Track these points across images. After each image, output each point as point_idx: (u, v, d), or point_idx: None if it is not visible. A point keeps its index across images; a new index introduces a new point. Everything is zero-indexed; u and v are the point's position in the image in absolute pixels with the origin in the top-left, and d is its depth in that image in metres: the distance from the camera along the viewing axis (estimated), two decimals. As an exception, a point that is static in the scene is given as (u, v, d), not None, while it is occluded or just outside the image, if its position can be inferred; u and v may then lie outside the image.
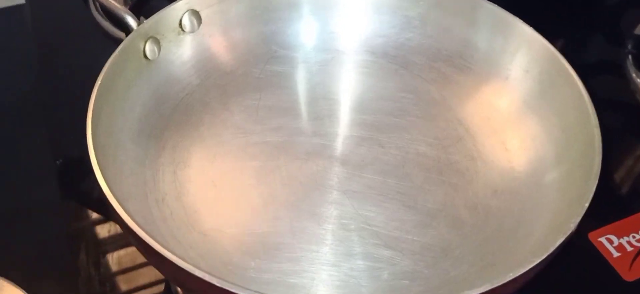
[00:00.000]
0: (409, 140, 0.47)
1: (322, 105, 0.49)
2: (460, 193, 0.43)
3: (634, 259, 0.43)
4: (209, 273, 0.29)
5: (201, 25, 0.49)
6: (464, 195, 0.43)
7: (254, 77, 0.50)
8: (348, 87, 0.51)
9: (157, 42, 0.46)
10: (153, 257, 0.32)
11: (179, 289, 0.42)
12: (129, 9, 0.47)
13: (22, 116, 0.54)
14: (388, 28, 0.52)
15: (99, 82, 0.41)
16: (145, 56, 0.46)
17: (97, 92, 0.40)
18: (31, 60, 0.59)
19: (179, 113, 0.47)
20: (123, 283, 0.43)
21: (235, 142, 0.46)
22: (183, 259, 0.30)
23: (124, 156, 0.41)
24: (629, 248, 0.44)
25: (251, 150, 0.46)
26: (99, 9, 0.55)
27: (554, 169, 0.42)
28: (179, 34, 0.48)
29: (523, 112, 0.46)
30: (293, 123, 0.48)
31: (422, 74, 0.51)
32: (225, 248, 0.39)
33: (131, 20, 0.45)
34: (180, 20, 0.48)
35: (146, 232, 0.31)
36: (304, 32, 0.51)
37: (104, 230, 0.46)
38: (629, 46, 0.61)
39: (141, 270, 0.43)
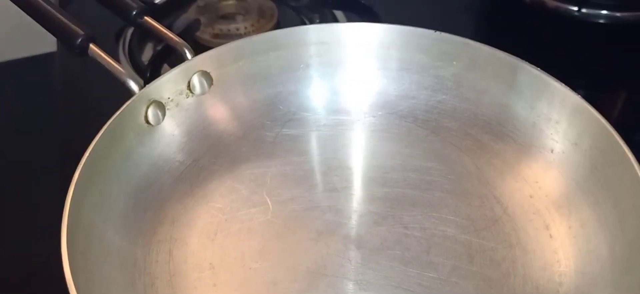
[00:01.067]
0: (436, 220, 0.41)
1: (339, 175, 0.44)
2: (495, 289, 0.37)
3: None
4: None
5: (212, 86, 0.46)
6: (499, 291, 0.37)
7: (267, 142, 0.46)
8: (368, 155, 0.45)
9: (161, 106, 0.43)
10: None
11: None
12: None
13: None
14: (417, 89, 0.47)
15: (91, 148, 0.37)
16: (147, 121, 0.42)
17: (85, 161, 0.37)
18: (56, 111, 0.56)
19: (183, 183, 0.43)
20: None
21: (240, 216, 0.42)
22: None
23: (113, 234, 0.37)
24: None
25: (257, 226, 0.41)
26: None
27: (608, 265, 0.35)
28: (187, 97, 0.45)
29: (572, 192, 0.39)
30: (305, 195, 0.43)
31: (456, 142, 0.45)
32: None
33: (133, 84, 0.42)
34: (190, 82, 0.45)
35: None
36: (319, 93, 0.47)
37: None
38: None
39: None
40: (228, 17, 0.66)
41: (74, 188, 0.35)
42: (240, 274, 0.38)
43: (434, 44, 0.45)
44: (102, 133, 0.39)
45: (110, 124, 0.39)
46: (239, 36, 0.62)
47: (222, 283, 0.38)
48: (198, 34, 0.62)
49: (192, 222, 0.41)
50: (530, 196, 0.41)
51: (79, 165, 0.36)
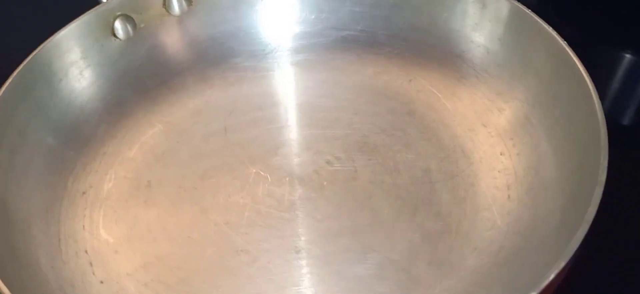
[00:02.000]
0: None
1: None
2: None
3: None
4: None
5: (190, 7, 0.44)
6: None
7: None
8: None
9: (131, 20, 0.42)
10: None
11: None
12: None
13: None
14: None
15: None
16: (114, 34, 0.42)
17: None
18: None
19: (145, 101, 0.42)
20: None
21: (194, 141, 0.40)
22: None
23: (52, 139, 0.37)
24: None
25: (206, 154, 0.40)
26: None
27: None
28: (161, 17, 0.44)
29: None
30: (263, 128, 0.41)
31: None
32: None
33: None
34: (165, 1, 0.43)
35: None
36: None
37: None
38: None
39: None
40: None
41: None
42: (174, 197, 0.37)
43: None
44: (66, 31, 0.38)
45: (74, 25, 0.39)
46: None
47: (153, 202, 0.37)
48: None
49: (143, 140, 0.40)
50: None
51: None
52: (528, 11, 0.39)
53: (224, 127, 0.41)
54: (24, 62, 0.36)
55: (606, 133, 0.31)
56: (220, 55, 0.44)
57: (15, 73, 0.35)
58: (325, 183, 0.37)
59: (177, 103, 0.42)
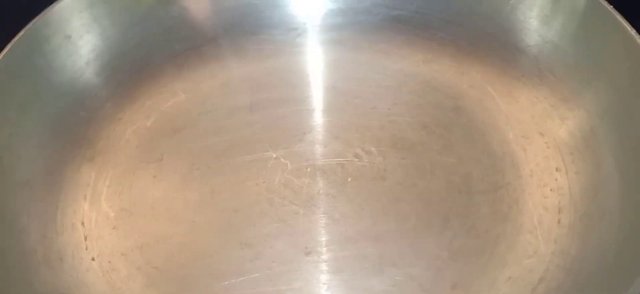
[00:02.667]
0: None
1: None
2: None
3: None
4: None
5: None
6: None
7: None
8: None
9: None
10: None
11: None
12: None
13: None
14: None
15: None
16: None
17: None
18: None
19: (172, 67, 0.39)
20: None
21: (214, 116, 0.37)
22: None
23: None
24: None
25: (224, 133, 0.36)
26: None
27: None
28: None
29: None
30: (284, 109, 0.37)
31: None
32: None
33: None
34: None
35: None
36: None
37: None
38: None
39: None
40: None
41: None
42: (185, 174, 0.34)
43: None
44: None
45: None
46: None
47: (162, 177, 0.34)
48: None
49: (163, 109, 0.38)
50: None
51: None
52: (609, 7, 0.33)
53: (250, 104, 0.38)
54: (43, 12, 0.34)
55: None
56: (256, 25, 0.41)
57: (30, 24, 0.33)
58: (349, 178, 0.34)
59: (204, 72, 0.39)
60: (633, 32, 0.32)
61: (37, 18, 0.34)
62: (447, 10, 0.40)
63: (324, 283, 0.30)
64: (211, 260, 0.30)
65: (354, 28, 0.41)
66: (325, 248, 0.31)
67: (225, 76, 0.39)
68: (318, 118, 0.37)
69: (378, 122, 0.36)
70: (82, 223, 0.31)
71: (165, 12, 0.39)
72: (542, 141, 0.34)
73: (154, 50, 0.39)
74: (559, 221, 0.31)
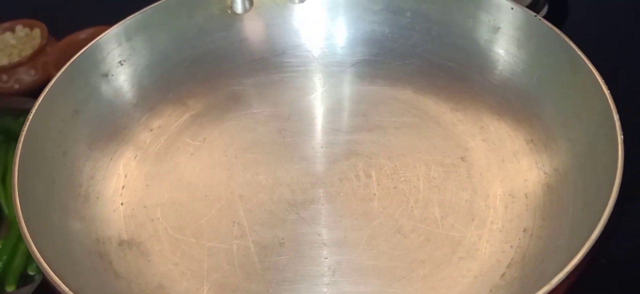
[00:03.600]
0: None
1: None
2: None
3: None
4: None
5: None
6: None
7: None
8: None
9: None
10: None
11: None
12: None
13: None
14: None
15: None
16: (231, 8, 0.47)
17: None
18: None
19: (238, 76, 0.47)
20: None
21: (255, 119, 0.44)
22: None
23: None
24: None
25: (260, 134, 0.43)
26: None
27: None
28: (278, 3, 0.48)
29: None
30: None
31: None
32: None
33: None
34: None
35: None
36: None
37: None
38: None
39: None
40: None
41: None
42: (215, 158, 0.41)
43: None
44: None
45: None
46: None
47: (198, 156, 0.42)
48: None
49: (218, 104, 0.45)
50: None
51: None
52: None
53: (289, 114, 0.44)
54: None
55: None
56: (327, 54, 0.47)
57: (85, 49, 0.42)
58: (341, 193, 0.38)
59: (259, 82, 0.46)
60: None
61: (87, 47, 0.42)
62: (489, 70, 0.43)
63: (280, 278, 0.35)
64: (206, 229, 0.37)
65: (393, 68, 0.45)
66: (293, 245, 0.36)
67: (276, 91, 0.46)
68: (339, 137, 0.42)
69: (387, 153, 0.40)
70: (125, 175, 0.40)
71: (252, 29, 0.47)
72: (524, 203, 0.36)
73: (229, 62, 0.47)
74: (502, 275, 0.33)
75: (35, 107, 0.36)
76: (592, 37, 0.51)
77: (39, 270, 0.53)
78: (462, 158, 0.40)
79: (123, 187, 0.39)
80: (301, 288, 0.34)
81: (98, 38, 0.41)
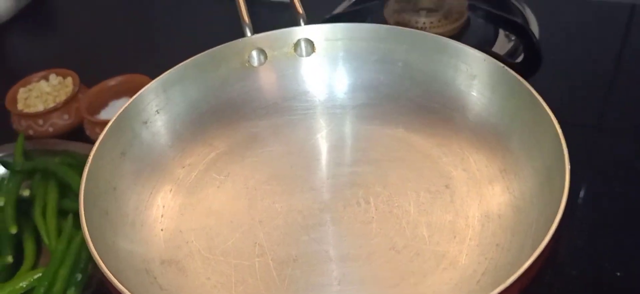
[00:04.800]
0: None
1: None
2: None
3: None
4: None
5: (313, 53, 0.55)
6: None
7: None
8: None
9: (264, 53, 0.55)
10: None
11: None
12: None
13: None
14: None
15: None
16: (248, 62, 0.55)
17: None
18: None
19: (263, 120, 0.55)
20: None
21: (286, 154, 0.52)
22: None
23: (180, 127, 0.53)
24: None
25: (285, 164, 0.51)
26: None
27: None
28: (287, 56, 0.56)
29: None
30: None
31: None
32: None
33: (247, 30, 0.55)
34: (296, 44, 0.55)
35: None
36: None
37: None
38: None
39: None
40: (419, 10, 0.73)
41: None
42: (238, 190, 0.49)
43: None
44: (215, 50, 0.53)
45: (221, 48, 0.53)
46: (415, 27, 0.69)
47: (223, 189, 0.49)
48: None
49: (240, 143, 0.53)
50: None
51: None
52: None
53: (300, 151, 0.52)
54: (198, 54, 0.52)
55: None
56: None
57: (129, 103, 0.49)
58: (345, 216, 0.46)
59: (273, 124, 0.54)
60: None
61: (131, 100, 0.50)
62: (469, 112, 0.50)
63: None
64: (231, 250, 0.44)
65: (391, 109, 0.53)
66: (301, 263, 0.43)
67: (293, 133, 0.54)
68: (342, 170, 0.50)
69: (383, 183, 0.48)
70: (163, 206, 0.48)
71: (267, 78, 0.55)
72: (498, 222, 0.43)
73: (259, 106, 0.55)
74: (477, 282, 0.40)
75: (93, 151, 0.44)
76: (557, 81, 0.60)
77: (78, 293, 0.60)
78: (446, 186, 0.47)
79: (162, 215, 0.47)
80: (313, 295, 0.41)
81: (139, 92, 0.49)
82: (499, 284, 0.38)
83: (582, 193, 0.53)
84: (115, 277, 0.36)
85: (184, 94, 0.52)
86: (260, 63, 0.55)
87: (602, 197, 0.53)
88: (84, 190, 0.41)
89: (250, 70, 0.55)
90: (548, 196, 0.40)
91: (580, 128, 0.58)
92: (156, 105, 0.50)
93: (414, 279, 0.41)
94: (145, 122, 0.50)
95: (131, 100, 0.48)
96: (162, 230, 0.46)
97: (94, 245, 0.37)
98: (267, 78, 0.55)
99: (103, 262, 0.36)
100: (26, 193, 0.70)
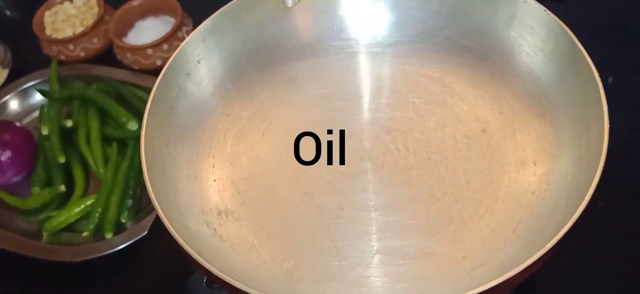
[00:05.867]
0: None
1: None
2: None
3: None
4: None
5: None
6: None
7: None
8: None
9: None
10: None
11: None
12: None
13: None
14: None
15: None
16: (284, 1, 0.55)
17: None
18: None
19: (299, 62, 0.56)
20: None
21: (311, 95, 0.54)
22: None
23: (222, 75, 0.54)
24: None
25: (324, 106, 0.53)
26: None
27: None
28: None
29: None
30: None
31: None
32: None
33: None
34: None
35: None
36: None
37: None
38: None
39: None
40: None
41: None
42: (281, 137, 0.51)
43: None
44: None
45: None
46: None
47: (268, 136, 0.52)
48: None
49: (277, 90, 0.55)
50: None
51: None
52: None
53: (339, 95, 0.53)
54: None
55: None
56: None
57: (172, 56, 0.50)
58: (385, 164, 0.48)
59: (310, 65, 0.55)
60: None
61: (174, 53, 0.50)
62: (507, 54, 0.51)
63: (328, 237, 0.45)
64: (280, 196, 0.47)
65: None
66: (352, 208, 0.46)
67: (329, 76, 0.55)
68: (380, 115, 0.51)
69: (421, 128, 0.50)
70: (213, 156, 0.50)
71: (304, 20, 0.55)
72: (533, 169, 0.46)
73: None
74: (514, 230, 0.43)
75: (147, 112, 0.46)
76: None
77: (131, 218, 0.64)
78: (483, 131, 0.49)
79: (213, 166, 0.50)
80: (357, 242, 0.45)
81: (180, 46, 0.50)
82: (533, 233, 0.41)
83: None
84: (181, 237, 0.39)
85: (221, 42, 0.53)
86: (294, 3, 0.55)
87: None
88: (145, 154, 0.43)
89: (285, 12, 0.55)
90: (585, 148, 0.42)
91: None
92: (196, 56, 0.51)
93: (453, 227, 0.44)
94: (188, 74, 0.51)
95: (174, 55, 0.49)
96: (214, 180, 0.49)
97: (159, 205, 0.40)
98: (302, 19, 0.55)
99: (169, 221, 0.40)
100: (69, 123, 0.73)
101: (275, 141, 0.51)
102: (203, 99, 0.52)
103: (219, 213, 0.46)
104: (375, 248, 0.44)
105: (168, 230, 0.40)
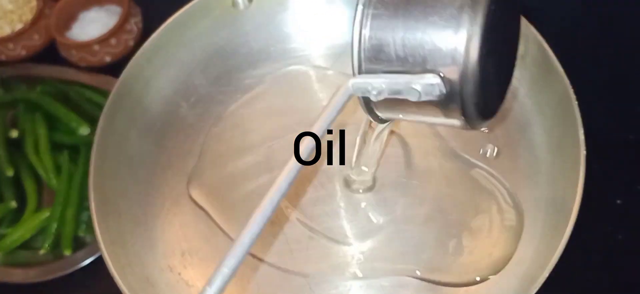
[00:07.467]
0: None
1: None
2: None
3: None
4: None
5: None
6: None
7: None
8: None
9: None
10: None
11: None
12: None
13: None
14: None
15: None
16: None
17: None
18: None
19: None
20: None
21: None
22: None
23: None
24: None
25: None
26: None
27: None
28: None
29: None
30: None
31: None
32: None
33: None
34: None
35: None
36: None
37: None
38: None
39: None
40: None
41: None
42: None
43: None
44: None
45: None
46: None
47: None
48: None
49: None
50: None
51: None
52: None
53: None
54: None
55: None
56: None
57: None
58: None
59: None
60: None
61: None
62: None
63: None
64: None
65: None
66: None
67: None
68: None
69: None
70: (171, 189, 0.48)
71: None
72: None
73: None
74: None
75: (93, 152, 0.43)
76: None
77: (90, 231, 0.61)
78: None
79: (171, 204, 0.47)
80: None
81: (124, 72, 0.47)
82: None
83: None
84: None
85: (169, 58, 0.49)
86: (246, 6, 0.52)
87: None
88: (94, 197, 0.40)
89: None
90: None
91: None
92: (144, 77, 0.48)
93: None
94: (138, 99, 0.48)
95: (117, 84, 0.46)
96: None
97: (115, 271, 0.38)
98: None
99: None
100: (15, 133, 0.68)
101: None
102: (156, 125, 0.49)
103: (183, 253, 0.44)
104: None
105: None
